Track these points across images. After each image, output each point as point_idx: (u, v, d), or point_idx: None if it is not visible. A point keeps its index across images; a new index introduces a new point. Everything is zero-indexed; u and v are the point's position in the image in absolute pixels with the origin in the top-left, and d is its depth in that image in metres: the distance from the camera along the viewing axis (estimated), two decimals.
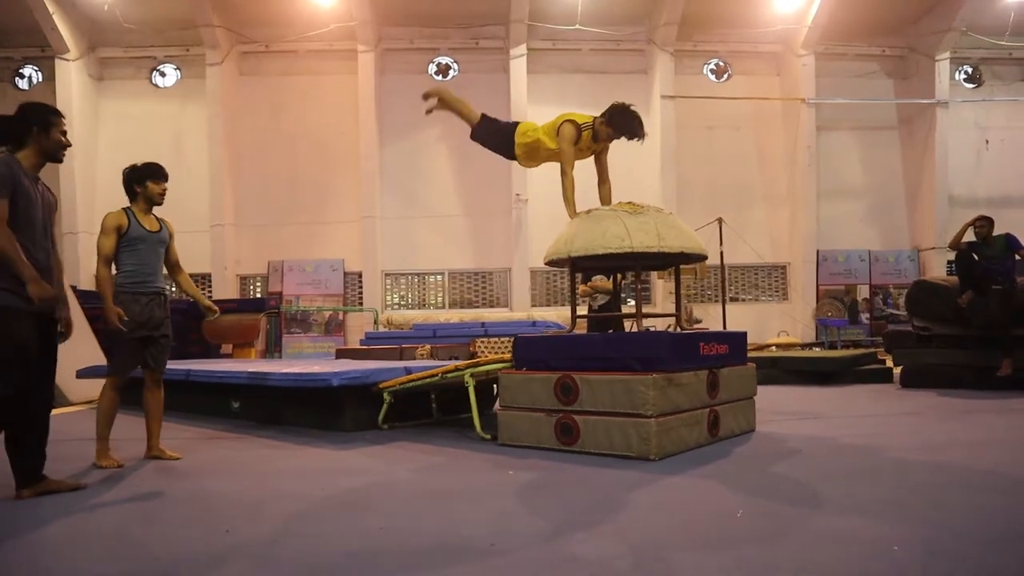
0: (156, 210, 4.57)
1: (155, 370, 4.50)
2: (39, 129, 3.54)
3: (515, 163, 18.51)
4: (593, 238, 4.48)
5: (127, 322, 4.20)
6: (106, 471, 4.10)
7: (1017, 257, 7.46)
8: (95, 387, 5.93)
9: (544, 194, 16.08)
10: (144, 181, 4.44)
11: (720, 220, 14.96)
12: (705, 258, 4.94)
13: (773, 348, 13.49)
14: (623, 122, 4.98)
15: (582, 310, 7.60)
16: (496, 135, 5.82)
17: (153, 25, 16.24)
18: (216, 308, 4.78)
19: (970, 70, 18.01)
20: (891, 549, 2.35)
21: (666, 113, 16.45)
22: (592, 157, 5.30)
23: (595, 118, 5.10)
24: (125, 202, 4.47)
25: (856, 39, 17.31)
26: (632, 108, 5.00)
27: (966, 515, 2.76)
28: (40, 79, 16.81)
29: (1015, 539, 2.47)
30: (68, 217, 15.22)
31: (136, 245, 4.37)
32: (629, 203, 4.70)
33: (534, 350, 4.64)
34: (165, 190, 4.54)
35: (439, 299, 17.06)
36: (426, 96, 5.81)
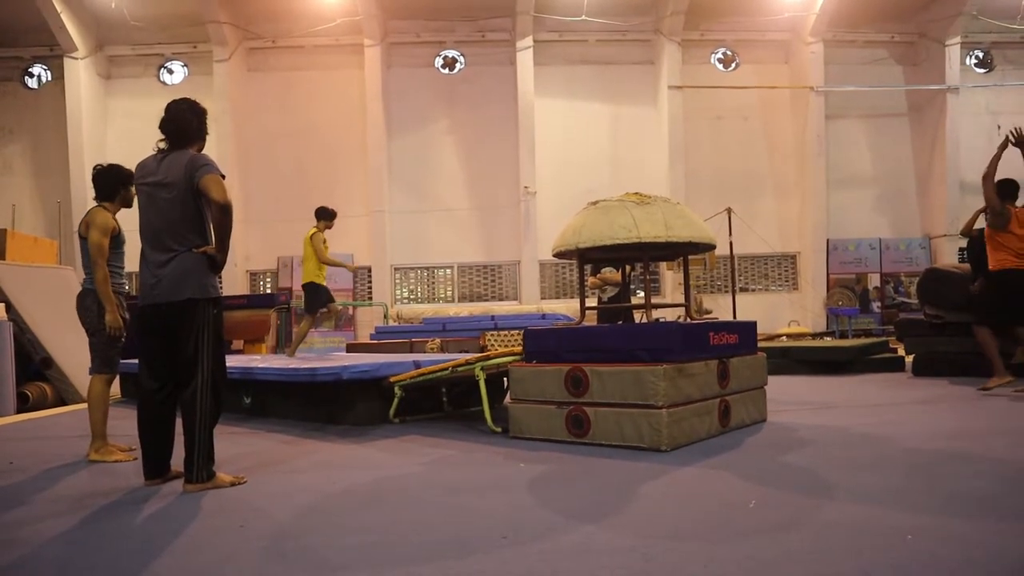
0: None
1: (116, 370, 4.61)
2: (205, 133, 3.72)
3: (523, 155, 18.59)
4: (601, 229, 4.47)
5: (118, 327, 4.29)
6: (107, 466, 4.16)
7: None
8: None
9: (552, 186, 16.08)
10: (128, 183, 4.44)
11: (729, 210, 14.90)
12: (714, 247, 4.94)
13: (784, 338, 13.44)
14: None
15: (591, 302, 7.59)
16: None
17: (160, 22, 16.30)
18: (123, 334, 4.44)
19: (981, 55, 17.83)
20: (904, 538, 2.35)
21: (674, 103, 16.38)
22: None
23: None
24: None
25: (865, 25, 17.16)
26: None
27: (979, 503, 2.75)
28: (49, 78, 16.90)
29: None
30: (78, 216, 15.27)
31: (120, 248, 4.49)
32: (636, 194, 4.68)
33: (544, 342, 4.64)
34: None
35: (448, 293, 17.08)
36: None
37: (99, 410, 4.37)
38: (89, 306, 4.36)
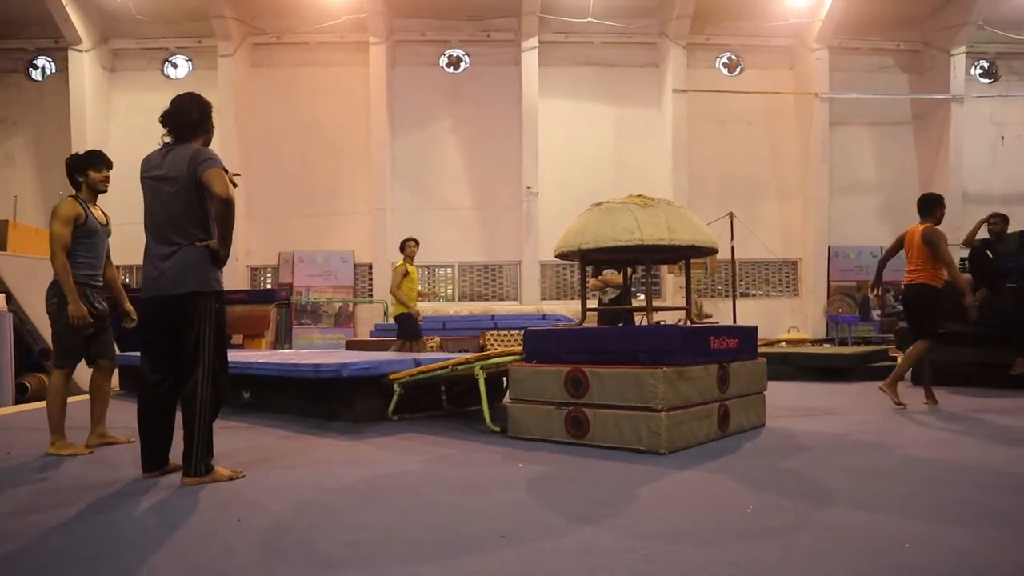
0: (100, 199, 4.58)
1: (111, 360, 4.65)
2: (211, 124, 3.71)
3: (526, 156, 18.58)
4: (603, 230, 4.47)
5: (81, 317, 4.24)
6: (76, 459, 4.17)
7: None
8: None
9: (555, 187, 16.08)
10: (85, 170, 4.42)
11: (731, 215, 14.89)
12: (716, 251, 4.94)
13: (783, 344, 13.43)
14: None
15: (592, 303, 7.58)
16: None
17: (165, 16, 16.29)
18: (135, 317, 4.35)
19: (986, 65, 17.82)
20: (901, 546, 2.35)
21: (678, 107, 16.37)
22: None
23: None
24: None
25: (870, 33, 17.16)
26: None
27: (975, 513, 2.75)
28: (53, 70, 16.90)
29: None
30: None
31: (91, 238, 4.40)
32: (639, 196, 4.68)
33: (544, 343, 4.64)
34: (107, 178, 4.51)
35: (449, 292, 17.08)
36: None
37: (56, 404, 4.35)
38: (50, 297, 4.33)
